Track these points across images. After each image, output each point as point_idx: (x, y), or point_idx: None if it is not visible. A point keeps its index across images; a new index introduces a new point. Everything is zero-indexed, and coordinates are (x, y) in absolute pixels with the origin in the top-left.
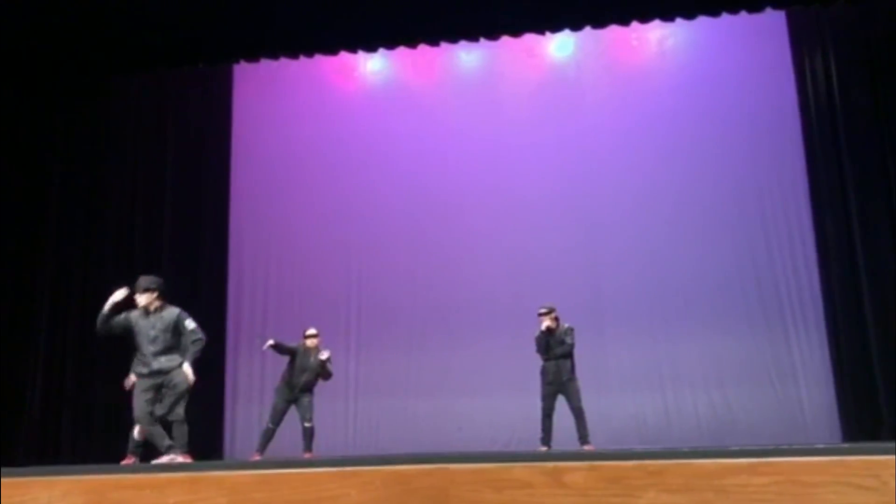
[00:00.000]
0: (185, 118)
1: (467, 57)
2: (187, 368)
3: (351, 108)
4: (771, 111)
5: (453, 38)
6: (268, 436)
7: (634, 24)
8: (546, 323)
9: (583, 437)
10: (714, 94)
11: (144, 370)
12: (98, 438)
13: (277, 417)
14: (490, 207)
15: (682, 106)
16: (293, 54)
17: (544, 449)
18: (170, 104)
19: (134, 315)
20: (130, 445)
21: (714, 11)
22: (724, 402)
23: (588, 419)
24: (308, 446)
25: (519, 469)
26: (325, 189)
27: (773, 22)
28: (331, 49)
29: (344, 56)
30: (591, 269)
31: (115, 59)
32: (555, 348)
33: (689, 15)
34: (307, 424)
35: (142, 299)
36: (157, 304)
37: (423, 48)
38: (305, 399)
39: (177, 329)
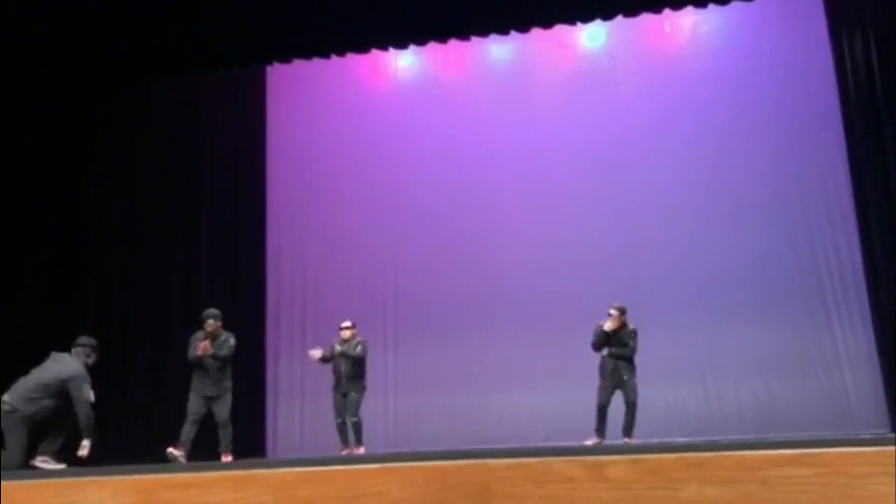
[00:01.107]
0: (221, 120)
1: (498, 50)
2: None
3: (383, 105)
4: (809, 95)
5: (484, 32)
6: (342, 430)
7: (667, 12)
8: (609, 324)
9: (626, 430)
10: (750, 79)
11: None
12: (141, 439)
13: (340, 410)
14: (525, 200)
15: (718, 92)
16: (325, 54)
17: (598, 440)
18: (205, 107)
19: None
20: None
21: None
22: (766, 391)
23: None
24: (347, 441)
25: (560, 463)
26: (361, 186)
27: (810, 3)
28: (361, 47)
29: (375, 54)
30: (629, 260)
31: (149, 64)
32: (615, 347)
33: None
34: (353, 419)
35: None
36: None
37: (453, 43)
38: (353, 395)
39: None
